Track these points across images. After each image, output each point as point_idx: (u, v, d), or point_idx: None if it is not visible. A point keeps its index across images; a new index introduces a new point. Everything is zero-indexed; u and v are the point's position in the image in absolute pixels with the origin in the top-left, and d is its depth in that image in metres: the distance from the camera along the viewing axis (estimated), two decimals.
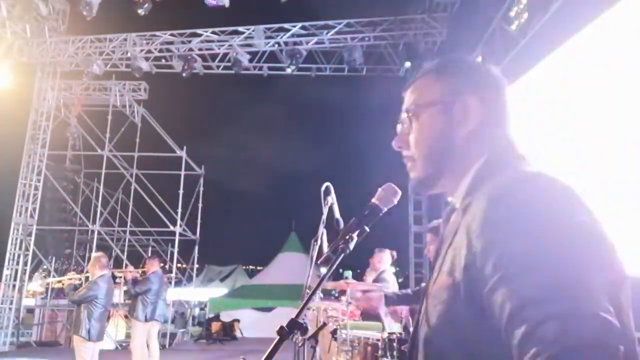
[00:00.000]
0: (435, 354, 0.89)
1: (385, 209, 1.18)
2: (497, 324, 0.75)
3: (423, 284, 3.30)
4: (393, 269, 5.61)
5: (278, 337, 0.99)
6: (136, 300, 6.81)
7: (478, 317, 0.79)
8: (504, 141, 0.98)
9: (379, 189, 1.18)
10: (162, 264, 15.99)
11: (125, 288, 7.23)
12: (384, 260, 5.45)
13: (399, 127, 1.07)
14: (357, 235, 1.12)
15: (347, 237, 1.11)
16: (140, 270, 7.27)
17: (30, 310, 14.65)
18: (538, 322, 0.68)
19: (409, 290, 3.76)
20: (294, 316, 1.01)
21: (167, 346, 13.01)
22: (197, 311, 17.43)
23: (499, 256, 0.76)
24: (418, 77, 1.06)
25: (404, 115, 1.05)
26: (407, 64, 11.34)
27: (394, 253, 5.58)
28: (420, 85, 1.04)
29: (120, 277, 7.36)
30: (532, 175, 0.86)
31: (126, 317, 11.52)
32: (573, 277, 0.71)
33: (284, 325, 1.00)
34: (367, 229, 1.13)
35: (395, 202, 1.19)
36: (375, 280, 5.20)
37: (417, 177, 1.04)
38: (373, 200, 1.17)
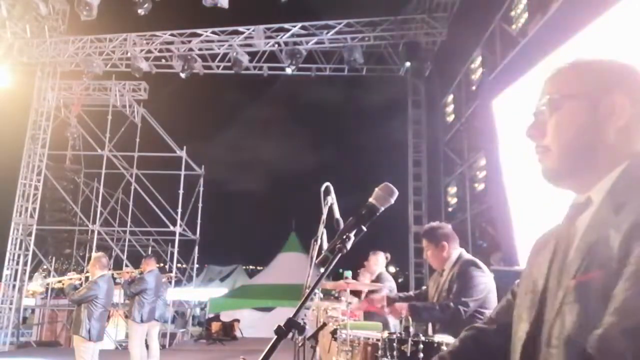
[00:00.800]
0: (577, 352, 0.86)
1: (383, 209, 1.18)
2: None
3: (424, 287, 3.29)
4: (392, 270, 5.62)
5: (276, 337, 0.99)
6: (133, 300, 6.72)
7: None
8: None
9: (376, 189, 1.19)
10: (162, 264, 16.04)
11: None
12: (379, 262, 5.47)
13: (534, 115, 1.06)
14: (355, 235, 1.12)
15: (345, 236, 1.11)
16: (138, 271, 7.22)
17: (28, 310, 14.66)
18: (628, 328, 0.72)
19: (411, 293, 3.76)
20: (291, 316, 1.01)
21: (167, 346, 13.00)
22: (197, 311, 17.44)
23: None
24: (562, 69, 1.05)
25: (542, 103, 1.04)
26: (407, 64, 11.35)
27: (388, 255, 5.60)
28: (566, 76, 1.03)
29: (119, 278, 7.33)
30: None
31: (126, 317, 11.52)
32: None
33: (282, 324, 1.00)
34: (364, 228, 1.13)
35: (392, 201, 1.19)
36: (375, 281, 5.20)
37: (551, 168, 1.02)
38: (370, 199, 1.17)
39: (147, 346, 7.14)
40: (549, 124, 1.01)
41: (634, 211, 0.84)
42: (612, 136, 0.95)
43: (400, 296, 3.82)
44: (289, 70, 11.70)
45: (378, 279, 5.26)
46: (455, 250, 3.15)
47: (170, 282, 12.40)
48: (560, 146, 0.99)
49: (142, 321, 6.65)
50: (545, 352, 0.92)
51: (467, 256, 3.15)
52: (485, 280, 2.97)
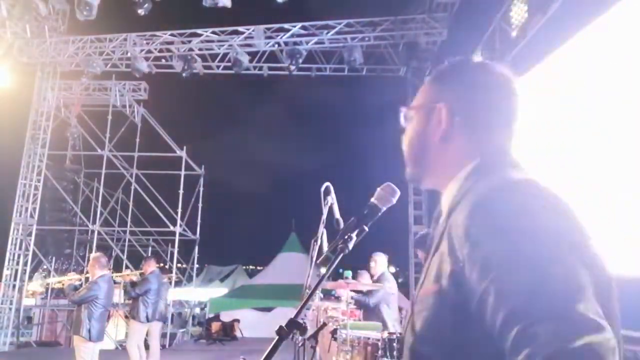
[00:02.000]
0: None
1: (384, 209, 1.18)
2: (487, 330, 0.75)
3: None
4: (392, 270, 5.64)
5: (277, 337, 0.99)
6: (137, 301, 6.82)
7: (465, 324, 0.80)
8: (494, 147, 0.98)
9: (378, 189, 1.19)
10: (162, 264, 16.04)
11: (124, 290, 7.20)
12: (382, 263, 5.50)
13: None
14: (356, 235, 1.12)
15: (346, 236, 1.11)
16: (138, 272, 7.27)
17: (31, 310, 14.66)
18: (530, 323, 0.69)
19: None
20: (293, 316, 1.02)
21: (167, 346, 13.00)
22: (197, 311, 17.43)
23: (485, 263, 0.76)
24: (426, 80, 1.12)
25: (404, 114, 1.12)
26: (407, 64, 11.34)
27: (386, 256, 5.65)
28: (421, 89, 1.11)
29: (120, 280, 7.37)
30: (516, 181, 0.87)
31: (126, 317, 11.52)
32: (559, 279, 0.71)
33: (283, 325, 1.00)
34: (366, 228, 1.14)
35: (394, 201, 1.19)
36: (377, 282, 5.22)
37: (408, 172, 1.11)
38: (372, 199, 1.18)
39: (146, 346, 7.17)
40: (407, 131, 1.10)
41: (455, 218, 0.85)
42: (440, 143, 1.01)
43: None
44: (289, 71, 11.70)
45: (380, 279, 5.28)
46: None
47: (170, 283, 12.41)
48: (405, 154, 1.09)
49: (147, 321, 6.77)
50: None
51: None
52: None
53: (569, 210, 0.81)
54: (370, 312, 5.07)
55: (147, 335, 7.15)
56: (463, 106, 0.99)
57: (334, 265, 1.13)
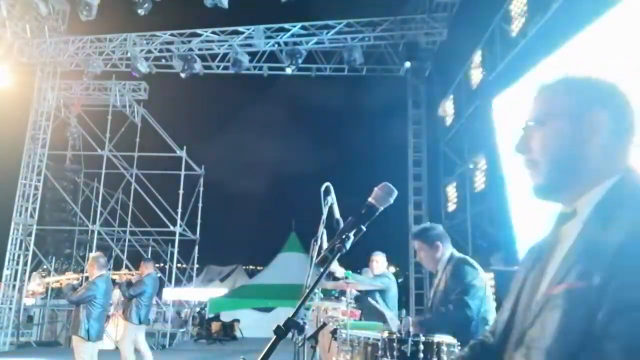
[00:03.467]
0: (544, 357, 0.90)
1: (382, 208, 1.18)
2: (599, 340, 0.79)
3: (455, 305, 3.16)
4: (392, 270, 5.64)
5: (275, 336, 0.99)
6: (130, 302, 6.82)
7: (586, 326, 0.82)
8: (629, 162, 1.00)
9: (376, 189, 1.18)
10: (162, 264, 16.04)
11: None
12: (381, 262, 5.51)
13: (520, 132, 1.10)
14: (354, 235, 1.12)
15: (344, 236, 1.11)
16: (135, 273, 7.27)
17: (31, 309, 14.66)
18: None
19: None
20: (290, 315, 1.01)
21: (167, 346, 13.01)
22: (197, 311, 17.44)
23: (628, 288, 0.80)
24: (547, 87, 1.09)
25: (530, 119, 1.08)
26: (407, 64, 11.34)
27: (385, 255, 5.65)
28: (551, 93, 1.07)
29: (117, 279, 7.36)
30: None
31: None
32: None
33: (281, 324, 1.00)
34: (363, 228, 1.13)
35: (392, 201, 1.19)
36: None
37: (540, 183, 1.05)
38: (370, 199, 1.17)
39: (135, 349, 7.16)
40: (536, 139, 1.05)
41: (622, 229, 0.86)
42: (596, 151, 0.99)
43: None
44: (289, 70, 11.70)
45: (378, 278, 5.28)
46: (448, 250, 3.15)
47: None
48: (547, 161, 1.03)
49: (139, 322, 6.77)
50: (514, 355, 0.97)
51: (459, 255, 3.14)
52: (478, 277, 2.96)
53: None
54: (370, 310, 5.06)
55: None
56: (613, 116, 1.01)
57: (331, 264, 1.12)
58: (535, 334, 0.93)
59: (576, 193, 1.01)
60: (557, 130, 1.02)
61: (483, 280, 2.98)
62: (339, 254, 1.11)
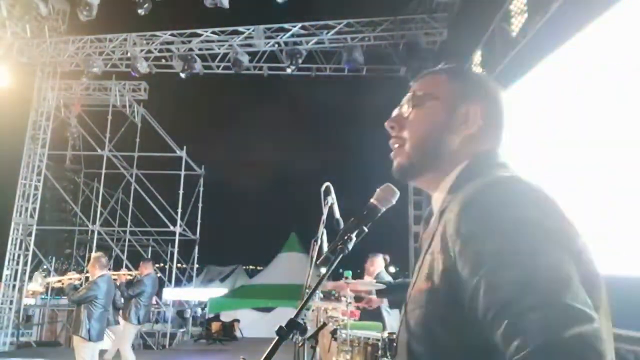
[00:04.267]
0: (415, 359, 0.90)
1: (384, 209, 1.18)
2: (479, 325, 0.76)
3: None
4: (392, 270, 5.64)
5: (277, 337, 0.99)
6: (129, 302, 6.84)
7: (458, 321, 0.81)
8: (486, 149, 1.01)
9: (378, 189, 1.18)
10: (162, 264, 16.03)
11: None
12: (377, 263, 5.49)
13: (397, 109, 1.10)
14: (356, 236, 1.12)
15: (346, 237, 1.11)
16: (134, 273, 7.28)
17: (30, 309, 14.66)
18: (519, 315, 0.70)
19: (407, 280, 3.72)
20: (293, 316, 1.01)
21: (167, 346, 13.01)
22: (199, 311, 17.44)
23: (475, 259, 0.78)
24: (431, 72, 1.11)
25: (407, 98, 1.08)
26: (407, 64, 11.34)
27: (387, 257, 5.64)
28: (432, 80, 1.08)
29: (116, 279, 7.37)
30: (503, 179, 0.90)
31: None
32: (547, 271, 0.73)
33: (283, 325, 1.00)
34: (365, 229, 1.14)
35: (394, 202, 1.19)
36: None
37: (402, 163, 1.06)
38: (372, 200, 1.17)
39: (133, 346, 7.19)
40: (410, 117, 1.06)
41: (447, 216, 0.87)
42: (459, 141, 1.01)
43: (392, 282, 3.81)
44: (289, 70, 11.70)
45: (377, 278, 5.27)
46: None
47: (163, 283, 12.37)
48: (414, 141, 1.04)
49: (138, 323, 6.79)
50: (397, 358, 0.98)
51: None
52: None
53: (555, 205, 0.83)
54: (370, 311, 5.06)
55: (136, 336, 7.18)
56: (483, 111, 1.03)
57: (333, 266, 1.13)
58: (400, 339, 0.95)
59: (434, 182, 1.03)
60: (431, 114, 1.03)
61: None
62: (341, 255, 1.11)
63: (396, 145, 1.07)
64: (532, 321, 0.68)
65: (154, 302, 10.62)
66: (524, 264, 0.73)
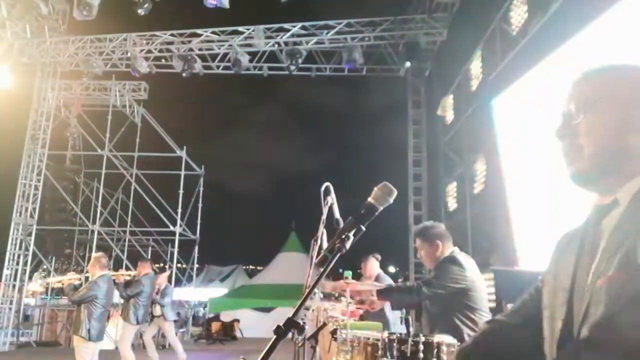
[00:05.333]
0: (612, 352, 0.87)
1: (381, 208, 1.18)
2: None
3: (418, 281, 3.27)
4: (392, 270, 5.62)
5: (275, 337, 0.99)
6: (128, 302, 6.83)
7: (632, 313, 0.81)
8: None
9: (375, 188, 1.18)
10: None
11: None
12: (373, 266, 5.46)
13: (563, 115, 1.06)
14: (354, 235, 1.12)
15: (344, 236, 1.11)
16: (132, 273, 7.27)
17: (30, 309, 14.67)
18: None
19: (407, 283, 3.75)
20: (290, 315, 1.01)
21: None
22: (201, 311, 17.45)
23: None
24: (596, 70, 1.07)
25: (576, 105, 1.04)
26: (407, 64, 11.35)
27: (377, 255, 5.59)
28: (598, 80, 1.05)
29: (114, 279, 7.38)
30: None
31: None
32: None
33: (281, 324, 1.00)
34: (363, 228, 1.13)
35: (391, 201, 1.19)
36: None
37: (583, 169, 1.02)
38: (369, 199, 1.17)
39: (133, 346, 7.20)
40: (583, 123, 1.02)
41: None
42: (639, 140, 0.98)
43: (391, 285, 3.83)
44: (289, 71, 11.70)
45: (377, 280, 5.27)
46: (448, 250, 3.16)
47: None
48: (595, 146, 1.00)
49: (137, 323, 6.79)
50: (576, 350, 0.94)
51: (457, 254, 3.15)
52: (461, 274, 2.96)
53: None
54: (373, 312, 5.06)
55: (135, 336, 7.19)
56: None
57: (331, 265, 1.12)
58: (585, 332, 0.91)
59: (616, 183, 0.99)
60: (607, 116, 1.00)
61: (469, 278, 2.98)
62: (338, 254, 1.11)
63: (571, 152, 1.03)
64: None
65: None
66: None
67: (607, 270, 0.90)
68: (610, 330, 0.86)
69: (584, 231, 1.05)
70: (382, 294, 3.05)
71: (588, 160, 1.01)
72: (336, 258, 1.11)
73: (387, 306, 5.08)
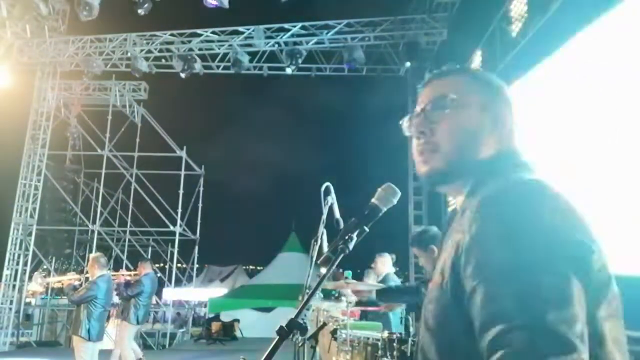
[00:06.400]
0: (432, 354, 0.90)
1: (385, 209, 1.18)
2: (471, 326, 0.77)
3: (417, 281, 3.28)
4: (393, 269, 5.62)
5: (277, 337, 0.99)
6: (128, 302, 6.84)
7: (458, 316, 0.82)
8: (507, 148, 1.00)
9: (379, 189, 1.18)
10: (162, 264, 16.02)
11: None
12: (387, 263, 5.47)
13: (420, 111, 1.05)
14: (357, 235, 1.12)
15: (347, 237, 1.11)
16: (132, 273, 7.28)
17: (30, 308, 14.65)
18: (509, 328, 0.70)
19: (412, 284, 3.76)
20: (293, 316, 1.01)
21: (167, 346, 13.01)
22: (202, 311, 17.45)
23: (479, 260, 0.78)
24: (453, 73, 1.08)
25: (434, 101, 1.03)
26: (407, 64, 11.35)
27: (394, 256, 5.62)
28: (459, 82, 1.05)
29: (115, 279, 7.38)
30: (523, 182, 0.88)
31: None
32: (548, 291, 0.72)
33: (284, 325, 1.00)
34: (366, 228, 1.14)
35: (395, 202, 1.19)
36: (381, 282, 5.22)
37: (437, 168, 1.01)
38: (373, 200, 1.17)
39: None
40: (442, 122, 1.01)
41: (464, 216, 0.87)
42: (492, 143, 0.99)
43: (395, 287, 3.82)
44: (289, 70, 11.70)
45: (384, 280, 5.26)
46: None
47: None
48: (453, 146, 0.99)
49: (137, 323, 6.80)
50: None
51: None
52: None
53: (573, 214, 0.82)
54: (375, 312, 5.06)
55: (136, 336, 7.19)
56: (509, 111, 1.04)
57: (334, 266, 1.13)
58: (421, 334, 0.95)
59: (464, 183, 0.99)
60: (466, 118, 1.00)
61: None
62: (342, 255, 1.11)
63: (427, 151, 1.02)
64: (517, 340, 0.69)
65: (153, 301, 10.63)
66: (524, 280, 0.73)
67: (434, 276, 0.94)
68: (429, 321, 0.91)
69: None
70: (381, 295, 3.03)
71: (445, 160, 0.99)
72: (340, 258, 1.11)
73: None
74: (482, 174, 0.96)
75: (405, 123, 1.10)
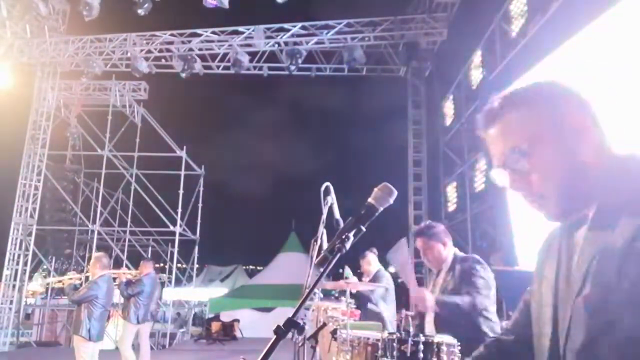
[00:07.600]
0: None
1: (382, 209, 1.18)
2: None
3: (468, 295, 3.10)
4: (392, 269, 5.59)
5: (275, 336, 0.99)
6: (128, 301, 6.84)
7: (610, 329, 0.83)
8: (610, 148, 0.97)
9: (375, 189, 1.19)
10: (162, 264, 16.02)
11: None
12: (372, 261, 5.43)
13: (502, 170, 1.00)
14: (354, 235, 1.12)
15: (344, 236, 1.11)
16: (134, 272, 7.28)
17: (29, 308, 14.66)
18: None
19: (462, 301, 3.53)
20: (290, 315, 1.01)
21: (167, 346, 13.01)
22: (203, 310, 17.45)
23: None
24: (501, 113, 1.00)
25: (513, 156, 0.97)
26: (407, 64, 11.36)
27: (375, 251, 5.54)
28: (517, 121, 0.98)
29: (116, 278, 7.38)
30: None
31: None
32: None
33: (281, 324, 1.00)
34: (363, 228, 1.14)
35: (391, 201, 1.19)
36: (372, 280, 5.20)
37: (554, 212, 0.97)
38: (369, 200, 1.18)
39: (133, 345, 7.19)
40: (531, 173, 0.96)
41: (628, 226, 0.85)
42: (589, 153, 0.94)
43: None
44: (289, 71, 11.70)
45: (375, 278, 5.24)
46: (452, 249, 3.15)
47: (163, 283, 12.38)
48: (554, 188, 0.95)
49: (137, 322, 6.80)
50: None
51: (461, 254, 3.14)
52: (488, 276, 2.95)
53: None
54: (368, 310, 5.04)
55: (136, 336, 7.18)
56: (561, 121, 0.97)
57: (331, 265, 1.13)
58: (568, 349, 0.92)
59: (587, 206, 0.95)
60: (549, 153, 0.94)
61: (491, 278, 2.98)
62: (339, 254, 1.11)
63: (536, 202, 0.98)
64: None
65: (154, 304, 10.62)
66: None
67: (584, 287, 0.88)
68: (592, 357, 0.87)
69: (560, 240, 1.04)
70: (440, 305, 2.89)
71: (556, 203, 0.96)
72: (336, 258, 1.11)
73: (380, 304, 5.07)
74: (603, 189, 0.92)
75: (495, 177, 1.02)
